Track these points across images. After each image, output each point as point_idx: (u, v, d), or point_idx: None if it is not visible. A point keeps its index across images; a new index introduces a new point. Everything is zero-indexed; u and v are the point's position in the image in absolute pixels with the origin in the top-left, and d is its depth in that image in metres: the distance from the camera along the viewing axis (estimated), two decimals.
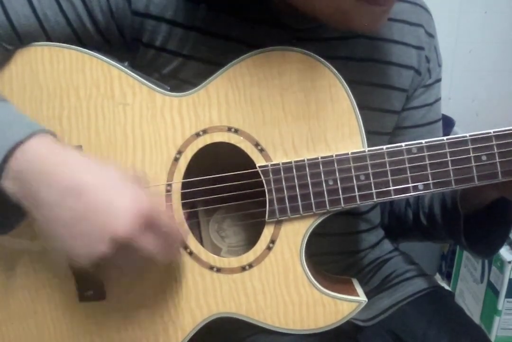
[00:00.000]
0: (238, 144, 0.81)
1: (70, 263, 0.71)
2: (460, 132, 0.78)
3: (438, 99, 1.04)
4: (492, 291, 1.88)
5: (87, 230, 0.67)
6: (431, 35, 0.99)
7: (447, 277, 2.26)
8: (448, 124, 2.07)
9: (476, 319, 1.96)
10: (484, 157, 0.77)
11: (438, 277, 2.30)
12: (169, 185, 0.81)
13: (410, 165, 0.78)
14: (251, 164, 0.80)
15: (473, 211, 0.90)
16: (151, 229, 0.69)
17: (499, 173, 0.77)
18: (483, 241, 0.92)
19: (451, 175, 0.78)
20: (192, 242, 0.82)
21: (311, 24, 0.87)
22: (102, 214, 0.67)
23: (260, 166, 0.80)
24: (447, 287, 2.08)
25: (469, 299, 2.05)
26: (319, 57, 0.78)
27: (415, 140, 0.78)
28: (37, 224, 0.70)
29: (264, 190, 0.80)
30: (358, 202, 0.79)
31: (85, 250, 0.68)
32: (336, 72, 0.78)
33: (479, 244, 0.93)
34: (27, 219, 0.74)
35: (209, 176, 0.82)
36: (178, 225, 0.75)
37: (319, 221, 0.81)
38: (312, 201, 0.79)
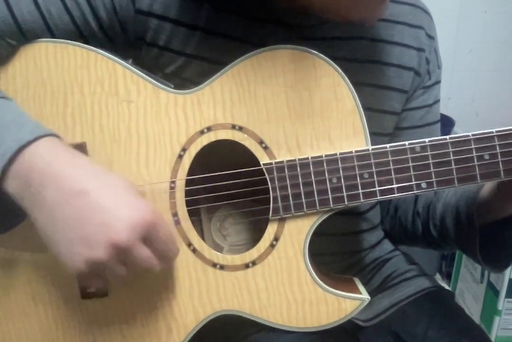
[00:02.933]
0: (242, 142, 0.81)
1: (64, 268, 0.71)
2: (460, 132, 0.78)
3: (437, 101, 1.04)
4: (492, 291, 1.88)
5: (87, 234, 0.67)
6: (431, 37, 0.99)
7: (447, 277, 2.26)
8: (448, 124, 2.08)
9: (476, 319, 1.96)
10: (486, 156, 0.77)
11: (438, 277, 2.30)
12: (173, 182, 0.82)
13: (413, 164, 0.78)
14: (255, 162, 0.80)
15: (488, 226, 0.89)
16: (149, 240, 0.70)
17: (502, 171, 0.78)
18: (498, 256, 0.92)
19: (454, 174, 0.78)
20: (195, 239, 0.82)
21: (313, 23, 0.88)
22: (103, 220, 0.67)
23: (264, 164, 0.80)
24: (447, 287, 2.08)
25: (469, 299, 2.05)
26: (324, 56, 0.78)
27: None
28: (37, 225, 0.70)
29: (268, 188, 0.80)
30: (362, 200, 0.79)
31: (81, 254, 0.68)
32: (341, 71, 0.79)
33: (493, 259, 0.92)
34: (24, 220, 0.74)
35: (213, 173, 0.82)
36: (175, 241, 0.76)
37: (322, 218, 0.81)
38: (316, 198, 0.79)
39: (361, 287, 0.86)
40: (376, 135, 0.90)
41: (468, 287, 2.05)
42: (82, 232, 0.67)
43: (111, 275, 0.72)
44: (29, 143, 0.69)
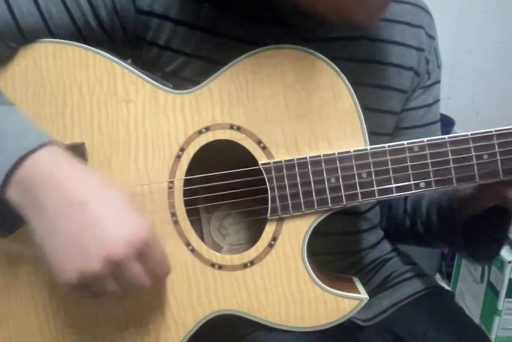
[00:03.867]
0: (240, 142, 0.81)
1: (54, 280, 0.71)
2: (460, 132, 0.78)
3: (437, 101, 1.04)
4: (492, 291, 1.88)
5: (83, 245, 0.67)
6: (431, 37, 0.99)
7: (447, 277, 2.26)
8: (448, 124, 2.08)
9: (476, 319, 1.96)
10: (485, 156, 0.77)
11: (438, 277, 2.30)
12: (171, 182, 0.82)
13: (411, 163, 0.78)
14: (253, 161, 0.80)
15: (470, 220, 0.90)
16: (142, 258, 0.70)
17: (500, 171, 0.78)
18: (481, 249, 0.93)
19: (453, 173, 0.78)
20: (194, 239, 0.83)
21: (313, 23, 0.88)
22: (100, 232, 0.67)
23: (262, 164, 0.80)
24: (447, 287, 2.08)
25: (469, 299, 2.05)
26: (323, 56, 0.78)
27: None
28: (35, 233, 0.70)
29: (266, 188, 0.80)
30: (360, 199, 0.79)
31: (75, 264, 0.67)
32: (339, 71, 0.79)
33: (479, 251, 0.93)
34: (24, 225, 0.75)
35: (211, 173, 0.82)
36: (168, 261, 0.75)
37: (321, 218, 0.81)
38: (314, 198, 0.79)
39: (360, 287, 0.86)
40: (375, 135, 0.90)
41: (468, 287, 2.05)
42: (78, 243, 0.67)
43: (101, 290, 0.71)
44: (31, 151, 0.69)
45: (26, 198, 0.69)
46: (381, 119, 0.96)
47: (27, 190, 0.69)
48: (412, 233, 1.05)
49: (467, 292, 2.06)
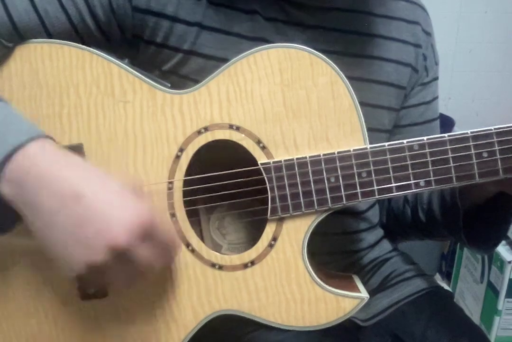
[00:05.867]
0: (239, 142, 0.81)
1: (64, 271, 0.70)
2: None
3: (435, 98, 1.04)
4: (492, 291, 1.88)
5: (85, 237, 0.66)
6: (428, 33, 0.99)
7: (447, 277, 2.26)
8: (448, 124, 2.08)
9: (476, 319, 1.96)
10: (485, 154, 0.77)
11: (438, 277, 2.30)
12: (171, 182, 0.81)
13: (411, 162, 0.78)
14: (253, 161, 0.80)
15: (472, 206, 0.90)
16: (149, 239, 0.69)
17: (500, 169, 0.77)
18: (483, 236, 0.92)
19: (453, 172, 0.78)
20: (194, 240, 0.82)
21: (310, 12, 0.88)
22: (101, 222, 0.67)
23: (261, 164, 0.80)
24: (447, 287, 2.09)
25: (469, 299, 2.05)
26: (321, 54, 0.78)
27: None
28: (33, 229, 0.69)
29: (266, 188, 0.80)
30: (360, 199, 0.79)
31: (81, 257, 0.67)
32: (338, 69, 0.78)
33: (478, 240, 0.93)
34: (22, 223, 0.74)
35: (210, 173, 0.81)
36: (175, 237, 0.75)
37: (321, 218, 0.81)
38: (314, 198, 0.79)
39: (360, 286, 0.86)
40: (373, 131, 0.89)
41: (468, 287, 2.05)
42: (80, 236, 0.67)
43: (112, 277, 0.71)
44: (22, 145, 0.68)
45: (20, 194, 0.68)
46: (379, 115, 0.96)
47: (20, 185, 0.68)
48: (414, 223, 1.05)
49: (467, 292, 2.06)
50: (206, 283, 0.83)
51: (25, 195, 0.68)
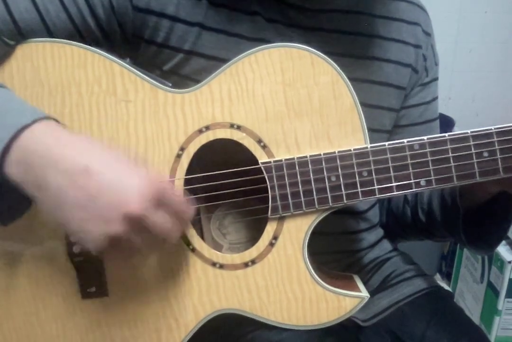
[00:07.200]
0: (240, 141, 0.81)
1: (83, 248, 0.71)
2: None
3: (435, 98, 1.05)
4: (492, 291, 1.88)
5: (99, 210, 0.67)
6: (428, 34, 0.99)
7: (447, 277, 2.26)
8: (448, 124, 2.08)
9: (476, 319, 1.96)
10: (485, 154, 0.77)
11: (438, 277, 2.30)
12: (172, 181, 0.81)
13: (412, 161, 0.78)
14: (254, 160, 0.80)
15: (472, 206, 0.90)
16: (162, 205, 0.70)
17: (501, 169, 0.78)
18: (483, 236, 0.93)
19: (453, 171, 0.78)
20: (195, 239, 0.82)
21: (311, 14, 0.88)
22: (113, 193, 0.67)
23: (262, 163, 0.80)
24: (447, 287, 2.09)
25: (469, 299, 2.05)
26: (322, 54, 0.78)
27: None
28: (46, 210, 0.70)
29: (267, 187, 0.80)
30: (361, 198, 0.79)
31: (98, 230, 0.67)
32: (339, 69, 0.79)
33: (478, 240, 0.93)
34: (28, 210, 0.74)
35: (211, 172, 0.82)
36: (187, 201, 0.75)
37: (321, 217, 0.81)
38: (315, 197, 0.79)
39: (360, 285, 0.86)
40: (374, 131, 0.90)
41: (468, 287, 2.05)
42: (93, 209, 0.67)
43: (131, 247, 0.71)
44: (26, 126, 0.69)
45: (28, 175, 0.69)
46: (379, 116, 0.96)
47: (27, 166, 0.68)
48: (414, 223, 1.05)
49: (467, 292, 2.06)
50: (207, 282, 0.83)
51: (33, 175, 0.68)
